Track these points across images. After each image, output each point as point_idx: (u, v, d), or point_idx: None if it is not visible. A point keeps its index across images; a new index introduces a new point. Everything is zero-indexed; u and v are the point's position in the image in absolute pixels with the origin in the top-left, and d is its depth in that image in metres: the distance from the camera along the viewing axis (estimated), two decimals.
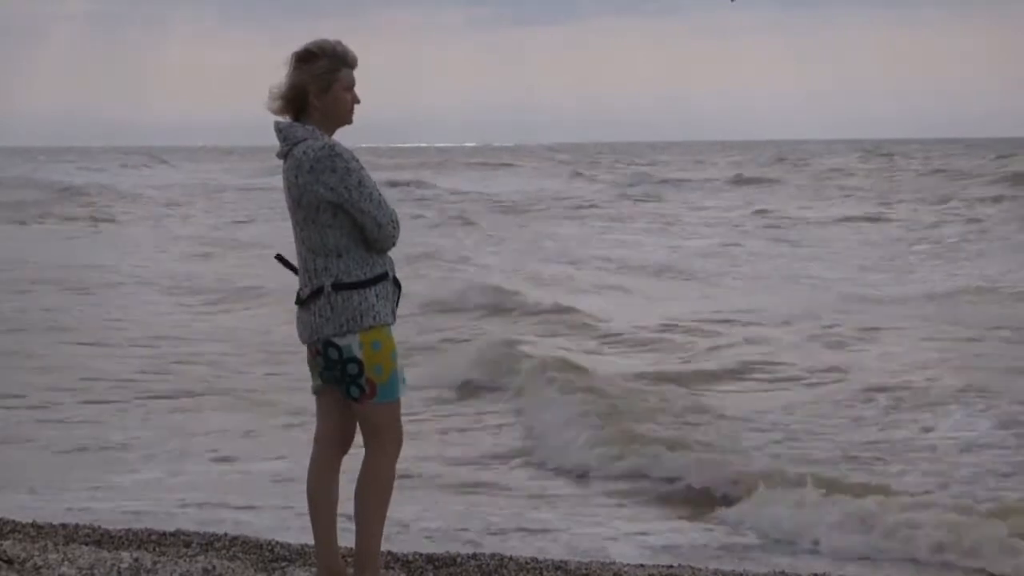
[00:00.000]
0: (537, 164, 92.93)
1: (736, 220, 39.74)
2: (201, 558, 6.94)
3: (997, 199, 43.38)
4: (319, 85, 5.62)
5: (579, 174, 73.01)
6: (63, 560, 6.76)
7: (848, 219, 37.94)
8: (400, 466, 5.77)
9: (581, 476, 10.10)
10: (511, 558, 7.12)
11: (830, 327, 17.28)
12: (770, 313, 18.63)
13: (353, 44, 5.71)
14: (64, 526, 7.83)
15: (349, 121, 5.75)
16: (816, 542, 8.20)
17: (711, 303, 20.34)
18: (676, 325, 17.44)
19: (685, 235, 34.88)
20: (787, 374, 14.11)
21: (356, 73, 5.73)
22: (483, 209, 45.54)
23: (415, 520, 8.64)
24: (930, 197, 46.32)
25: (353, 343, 5.57)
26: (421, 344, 16.06)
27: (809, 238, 32.95)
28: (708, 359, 14.84)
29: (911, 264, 26.72)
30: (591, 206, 47.74)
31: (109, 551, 7.08)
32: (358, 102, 5.74)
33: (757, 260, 27.89)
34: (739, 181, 59.81)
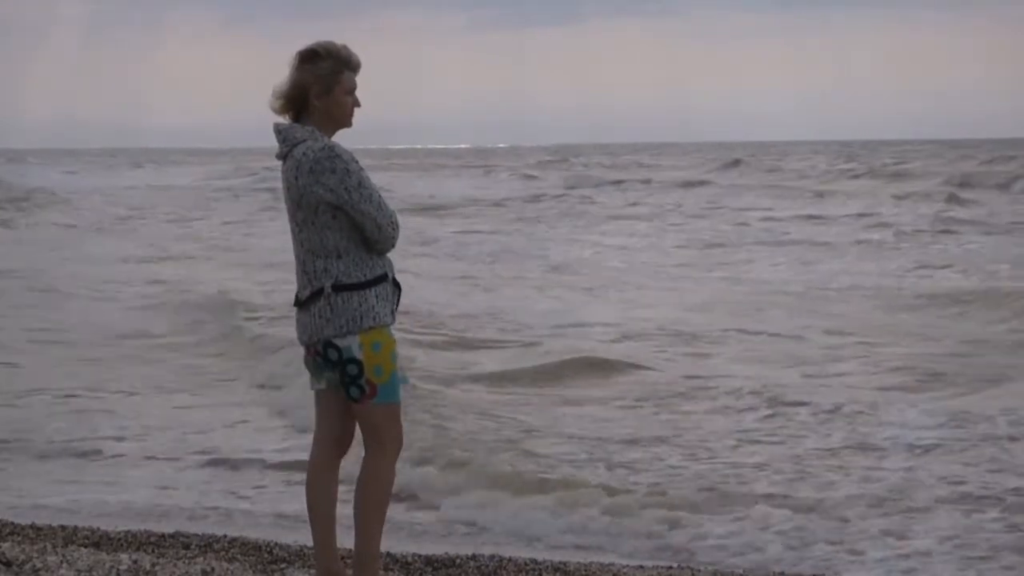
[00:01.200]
0: (506, 165, 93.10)
1: (648, 218, 40.33)
2: (200, 560, 6.95)
3: (923, 198, 44.19)
4: (321, 86, 5.63)
5: (529, 176, 73.20)
6: (62, 562, 6.75)
7: (745, 223, 38.36)
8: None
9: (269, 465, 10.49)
10: (510, 559, 7.16)
11: (680, 330, 17.30)
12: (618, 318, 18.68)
13: (353, 46, 5.71)
14: (63, 528, 7.83)
15: (348, 124, 5.76)
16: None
17: (577, 304, 20.38)
18: (527, 326, 17.56)
19: (589, 237, 34.78)
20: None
21: (358, 77, 5.76)
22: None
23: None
24: (850, 198, 46.92)
25: (353, 344, 5.58)
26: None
27: (699, 238, 33.36)
28: (530, 360, 14.79)
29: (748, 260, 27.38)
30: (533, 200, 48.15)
31: (108, 553, 7.07)
32: (358, 106, 5.75)
33: (632, 261, 28.13)
34: (687, 183, 60.07)
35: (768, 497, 9.01)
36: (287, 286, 21.57)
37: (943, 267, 25.45)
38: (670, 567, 7.13)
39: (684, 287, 22.92)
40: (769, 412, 11.94)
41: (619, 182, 62.86)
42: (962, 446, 10.59)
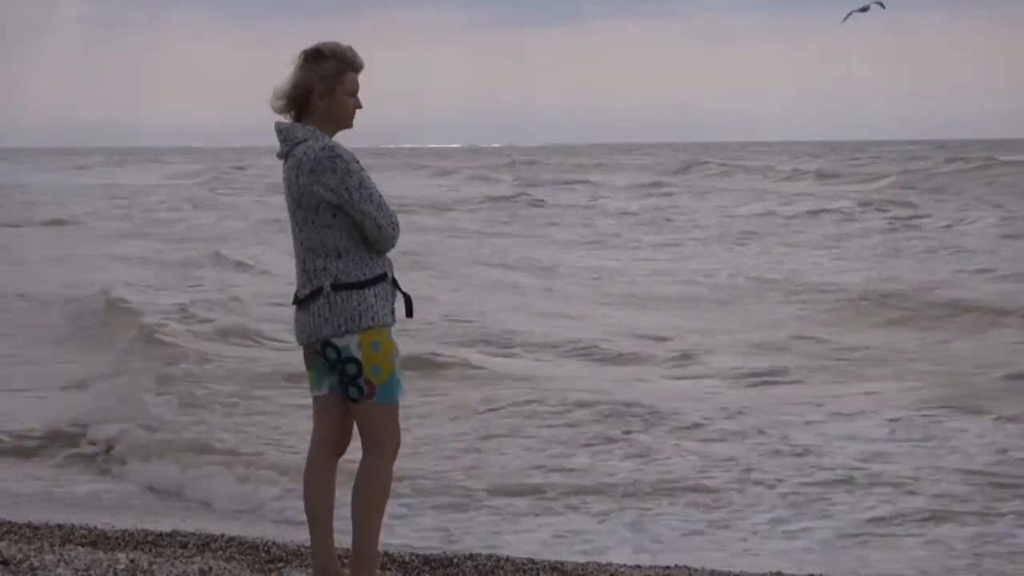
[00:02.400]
0: (473, 165, 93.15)
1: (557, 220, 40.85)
2: (198, 559, 6.95)
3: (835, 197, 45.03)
4: (324, 86, 5.66)
5: (485, 177, 73.31)
6: (59, 561, 6.76)
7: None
8: None
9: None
10: (507, 558, 7.16)
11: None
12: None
13: (353, 45, 5.73)
14: (60, 527, 7.82)
15: (349, 125, 5.79)
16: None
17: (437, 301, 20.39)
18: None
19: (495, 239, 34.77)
20: None
21: (360, 78, 5.77)
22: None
23: None
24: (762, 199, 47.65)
25: (351, 343, 5.60)
26: None
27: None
28: None
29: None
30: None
31: (105, 552, 7.08)
32: (360, 107, 5.78)
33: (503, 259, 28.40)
34: (638, 185, 60.40)
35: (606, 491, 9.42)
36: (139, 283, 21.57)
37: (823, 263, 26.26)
38: (667, 567, 7.18)
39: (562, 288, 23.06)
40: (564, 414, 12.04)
41: (582, 182, 63.20)
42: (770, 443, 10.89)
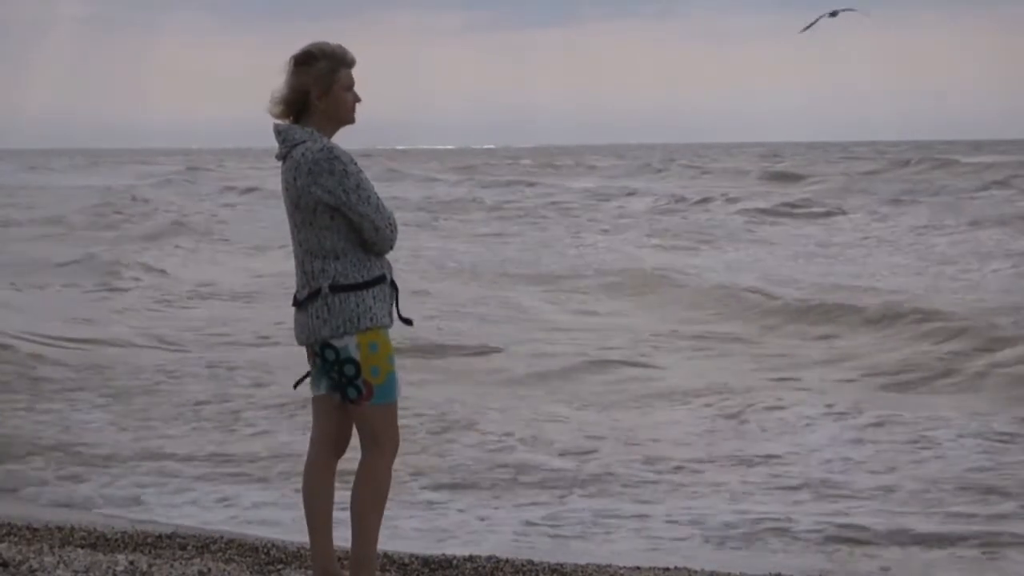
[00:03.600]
0: (446, 166, 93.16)
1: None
2: (197, 561, 6.96)
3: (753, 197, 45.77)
4: (320, 87, 5.67)
5: (434, 178, 73.37)
6: (59, 563, 6.76)
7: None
8: None
9: None
10: (507, 560, 7.18)
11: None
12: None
13: (349, 46, 5.75)
14: (60, 528, 7.83)
15: (351, 120, 5.80)
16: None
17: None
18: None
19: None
20: None
21: (354, 73, 5.77)
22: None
23: None
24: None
25: (350, 344, 5.62)
26: None
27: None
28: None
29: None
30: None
31: (105, 554, 7.08)
32: (359, 101, 5.79)
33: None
34: (587, 188, 60.71)
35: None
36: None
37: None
38: (667, 568, 7.24)
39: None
40: None
41: (530, 184, 63.32)
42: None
